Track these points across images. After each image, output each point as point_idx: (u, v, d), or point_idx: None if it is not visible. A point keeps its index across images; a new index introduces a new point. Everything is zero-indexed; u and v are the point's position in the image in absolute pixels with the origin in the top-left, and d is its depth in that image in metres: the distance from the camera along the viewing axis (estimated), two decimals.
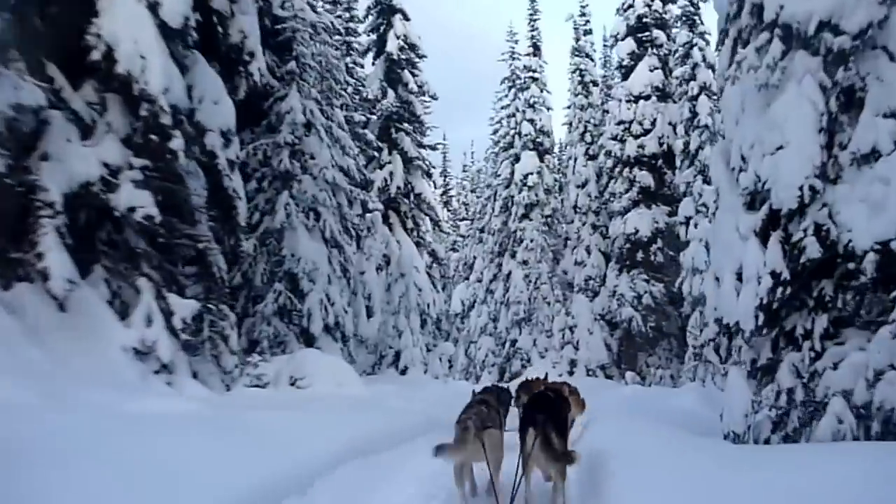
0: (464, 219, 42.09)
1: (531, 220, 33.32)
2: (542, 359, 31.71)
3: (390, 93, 27.28)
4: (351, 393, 12.03)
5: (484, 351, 35.01)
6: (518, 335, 32.89)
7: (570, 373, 29.93)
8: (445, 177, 50.46)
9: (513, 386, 9.51)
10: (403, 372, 21.41)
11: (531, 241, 32.89)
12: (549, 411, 5.20)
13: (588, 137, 32.07)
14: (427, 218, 37.45)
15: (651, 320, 27.72)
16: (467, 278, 38.66)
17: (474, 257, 38.12)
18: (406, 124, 27.63)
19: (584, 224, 31.47)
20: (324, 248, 15.91)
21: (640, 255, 27.91)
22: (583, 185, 31.60)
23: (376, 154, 26.93)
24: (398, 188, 26.57)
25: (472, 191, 44.94)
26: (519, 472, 4.96)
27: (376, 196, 25.69)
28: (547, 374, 11.78)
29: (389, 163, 26.85)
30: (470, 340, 36.86)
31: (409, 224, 27.11)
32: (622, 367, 29.35)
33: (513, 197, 33.85)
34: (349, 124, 23.77)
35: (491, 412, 5.41)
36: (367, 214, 23.55)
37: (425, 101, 29.80)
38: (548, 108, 33.94)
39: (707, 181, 24.93)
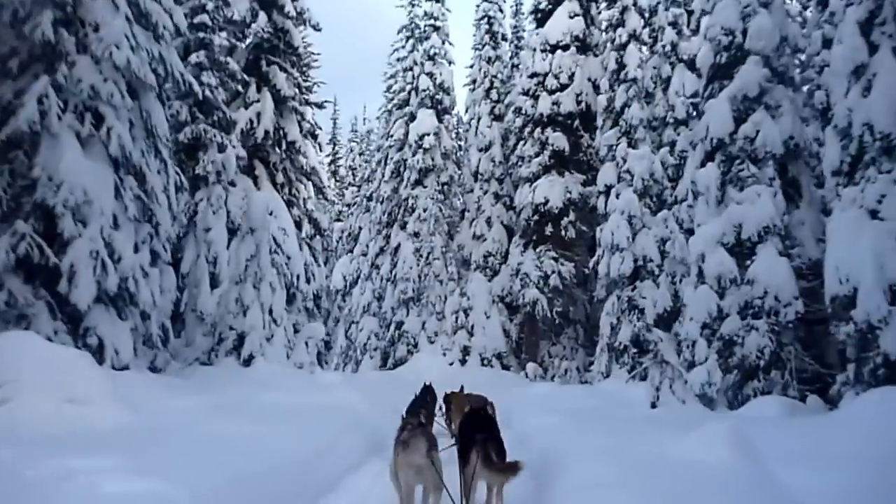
0: (350, 185, 35.51)
1: (425, 187, 27.62)
2: (430, 344, 26.14)
3: (262, 16, 20.65)
4: (85, 418, 5.86)
5: (366, 333, 29.07)
6: (405, 316, 27.15)
7: (463, 361, 24.52)
8: (334, 144, 43.77)
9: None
10: (248, 362, 15.10)
11: (424, 210, 27.19)
12: (487, 430, 5.04)
13: (494, 95, 26.55)
14: (310, 183, 31.42)
15: (558, 304, 22.61)
16: (351, 251, 32.54)
17: (360, 228, 32.03)
18: (280, 57, 21.19)
19: (485, 193, 26.02)
20: (108, 171, 9.46)
21: (549, 230, 22.72)
22: (486, 149, 26.11)
23: (241, 90, 20.39)
24: (267, 133, 20.06)
25: (361, 154, 38.29)
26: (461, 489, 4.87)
27: (238, 140, 19.20)
28: (462, 387, 10.03)
29: (258, 101, 20.35)
30: (351, 321, 30.83)
31: (280, 178, 20.70)
32: (522, 356, 24.17)
33: (405, 160, 28.04)
34: (205, 48, 17.42)
35: (432, 435, 5.19)
36: (219, 155, 17.18)
37: (308, 44, 23.67)
38: (449, 62, 28.21)
39: (632, 144, 20.08)
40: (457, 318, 24.90)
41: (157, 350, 12.52)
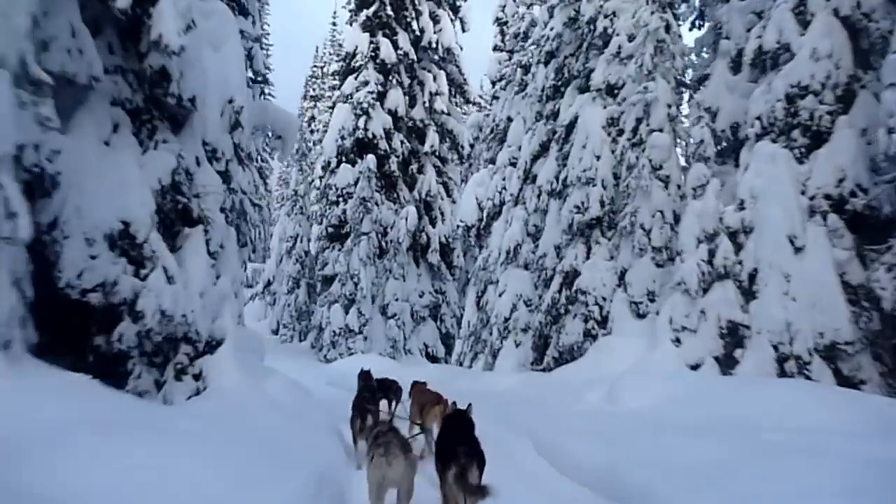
0: (497, 49, 20.20)
1: None
2: (638, 319, 11.00)
3: None
4: None
5: (508, 299, 14.38)
6: (581, 261, 12.20)
7: (728, 359, 9.05)
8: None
9: None
10: None
11: (629, 38, 12.07)
12: (468, 443, 4.34)
13: None
14: (442, 72, 17.42)
15: None
16: (492, 161, 17.87)
17: (508, 119, 17.30)
18: None
19: None
20: None
21: None
22: None
23: None
24: None
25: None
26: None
27: None
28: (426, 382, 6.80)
29: None
30: (486, 279, 16.21)
31: None
32: None
33: None
34: None
35: (405, 440, 4.61)
36: None
37: None
38: None
39: None
40: (710, 257, 9.49)
41: None
